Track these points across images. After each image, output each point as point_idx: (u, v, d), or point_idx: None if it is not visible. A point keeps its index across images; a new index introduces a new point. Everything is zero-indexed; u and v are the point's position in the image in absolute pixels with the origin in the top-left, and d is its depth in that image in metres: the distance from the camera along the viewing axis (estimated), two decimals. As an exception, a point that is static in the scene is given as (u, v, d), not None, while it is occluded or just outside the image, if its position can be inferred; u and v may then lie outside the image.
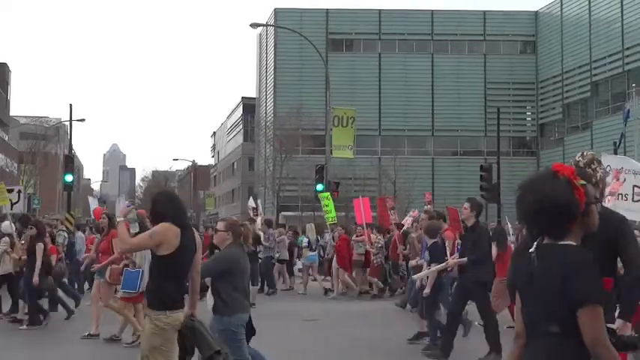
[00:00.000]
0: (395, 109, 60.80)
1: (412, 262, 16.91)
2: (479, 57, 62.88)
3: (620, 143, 35.11)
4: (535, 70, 62.49)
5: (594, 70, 54.57)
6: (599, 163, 5.02)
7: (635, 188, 16.33)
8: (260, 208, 23.78)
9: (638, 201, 16.47)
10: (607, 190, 17.06)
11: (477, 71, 62.28)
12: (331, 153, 32.90)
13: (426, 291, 11.15)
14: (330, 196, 24.64)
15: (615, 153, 32.23)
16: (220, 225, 7.86)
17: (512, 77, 62.17)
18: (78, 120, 47.49)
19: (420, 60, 62.39)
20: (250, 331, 7.77)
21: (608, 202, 16.04)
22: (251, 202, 23.80)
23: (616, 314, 4.84)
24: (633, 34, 50.20)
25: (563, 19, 58.78)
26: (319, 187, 30.85)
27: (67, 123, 46.50)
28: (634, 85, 44.97)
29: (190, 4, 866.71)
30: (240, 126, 79.97)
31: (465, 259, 10.52)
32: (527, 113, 64.50)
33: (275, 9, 62.90)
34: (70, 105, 41.90)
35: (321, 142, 41.72)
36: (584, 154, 5.08)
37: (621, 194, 16.48)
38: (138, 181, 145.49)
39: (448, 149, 62.47)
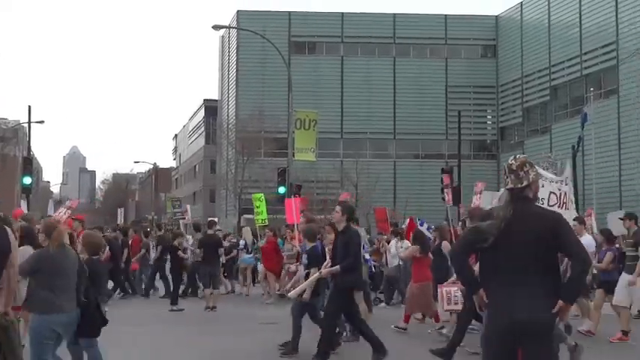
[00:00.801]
0: (357, 112, 60.99)
1: (292, 267, 16.90)
2: (440, 61, 63.35)
3: (578, 147, 35.63)
4: (495, 73, 63.16)
5: (553, 74, 55.32)
6: (532, 165, 5.27)
7: (552, 195, 16.64)
8: (189, 212, 23.31)
9: (552, 205, 16.79)
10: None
11: (439, 75, 62.74)
12: (293, 156, 32.87)
13: (305, 296, 10.83)
14: (262, 198, 24.58)
15: (574, 156, 32.71)
16: (39, 226, 7.96)
17: (473, 81, 62.73)
18: (37, 122, 46.82)
19: (382, 63, 62.68)
20: (89, 325, 7.67)
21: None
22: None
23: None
24: (591, 39, 50.98)
25: (523, 23, 59.50)
26: (281, 189, 30.80)
27: (26, 125, 45.89)
28: (592, 89, 45.73)
29: (153, 5, 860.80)
30: (202, 128, 79.59)
31: (337, 267, 10.23)
32: (488, 117, 65.16)
33: (238, 11, 62.74)
34: (29, 107, 41.37)
35: (283, 144, 41.74)
36: (517, 157, 5.35)
37: (543, 198, 16.87)
38: (98, 183, 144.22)
39: (410, 152, 62.80)
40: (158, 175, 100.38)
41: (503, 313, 4.93)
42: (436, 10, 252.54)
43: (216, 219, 24.54)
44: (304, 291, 10.90)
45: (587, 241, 13.76)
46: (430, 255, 13.83)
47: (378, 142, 62.21)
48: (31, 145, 42.43)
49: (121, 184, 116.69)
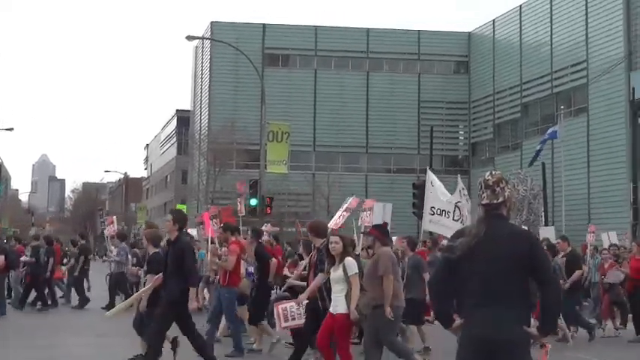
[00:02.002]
0: (329, 125, 61.12)
1: (132, 270, 17.11)
2: (413, 76, 63.73)
3: (534, 159, 35.76)
4: (468, 90, 63.64)
5: (524, 91, 55.87)
6: (507, 182, 5.20)
7: (456, 209, 16.83)
8: (114, 223, 22.89)
9: (458, 220, 16.97)
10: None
11: (411, 90, 63.10)
12: (265, 168, 32.85)
13: (141, 307, 10.52)
14: (144, 207, 24.45)
15: (543, 173, 33.03)
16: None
17: (446, 96, 63.16)
18: (6, 129, 46.39)
19: (355, 77, 62.91)
20: None
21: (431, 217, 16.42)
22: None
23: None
24: (561, 57, 51.61)
25: (495, 41, 60.07)
26: (253, 201, 30.76)
27: (-5, 132, 45.37)
28: (562, 107, 46.26)
29: (127, 13, 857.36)
30: (174, 138, 79.25)
31: (160, 275, 10.08)
32: (460, 132, 65.59)
33: (211, 22, 62.67)
34: (-2, 113, 40.90)
35: (255, 156, 41.62)
36: (493, 173, 5.26)
37: (444, 210, 16.99)
38: (68, 192, 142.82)
39: (382, 166, 63.03)
40: (129, 184, 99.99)
41: (476, 332, 4.89)
42: (409, 26, 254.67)
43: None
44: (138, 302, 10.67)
45: None
46: None
47: (350, 156, 62.36)
48: (0, 152, 41.93)
49: (91, 193, 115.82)
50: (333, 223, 16.93)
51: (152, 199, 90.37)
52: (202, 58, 66.82)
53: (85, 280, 22.08)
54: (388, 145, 61.87)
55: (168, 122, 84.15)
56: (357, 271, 9.11)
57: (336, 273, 9.17)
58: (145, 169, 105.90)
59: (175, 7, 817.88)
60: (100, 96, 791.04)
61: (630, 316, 15.76)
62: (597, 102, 47.99)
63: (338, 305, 9.10)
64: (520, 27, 56.56)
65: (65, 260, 23.37)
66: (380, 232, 10.02)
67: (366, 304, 9.02)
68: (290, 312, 10.84)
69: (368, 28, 64.64)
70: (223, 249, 13.26)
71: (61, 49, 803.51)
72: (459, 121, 64.68)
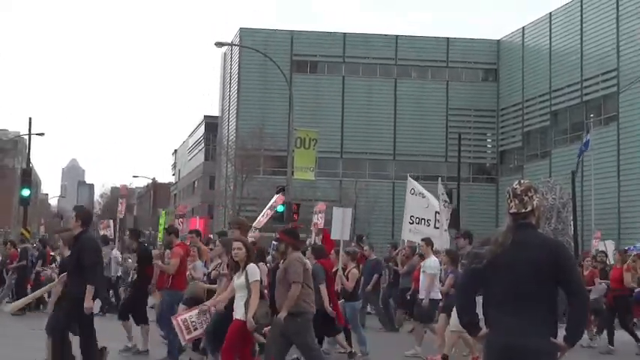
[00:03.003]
0: (357, 132, 61.07)
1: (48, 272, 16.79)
2: (441, 83, 63.51)
3: (576, 170, 35.60)
4: (496, 97, 63.29)
5: (554, 99, 55.45)
6: (536, 191, 5.14)
7: (437, 215, 16.63)
8: (112, 227, 22.67)
9: (438, 227, 16.75)
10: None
11: (439, 97, 62.89)
12: (293, 174, 32.87)
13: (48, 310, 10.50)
14: (164, 214, 24.24)
15: (573, 182, 32.75)
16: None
17: (474, 104, 62.85)
18: (37, 134, 46.80)
19: (384, 84, 62.82)
20: None
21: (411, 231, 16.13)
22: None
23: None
24: (592, 65, 51.17)
25: (524, 48, 59.71)
26: (280, 208, 30.77)
27: (26, 137, 45.86)
28: (592, 115, 45.82)
29: (156, 19, 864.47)
30: (202, 144, 79.64)
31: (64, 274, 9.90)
32: (488, 140, 65.24)
33: (240, 29, 62.96)
34: (30, 118, 41.41)
35: (282, 162, 41.72)
36: (521, 182, 5.20)
37: (424, 219, 16.74)
38: (97, 197, 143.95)
39: (409, 173, 62.70)
40: (157, 190, 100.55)
41: (501, 340, 4.85)
42: (438, 33, 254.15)
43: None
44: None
45: (433, 262, 13.59)
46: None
47: (378, 163, 62.24)
48: (31, 157, 42.38)
49: (119, 197, 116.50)
50: (257, 222, 16.77)
51: (179, 205, 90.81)
52: (231, 65, 67.12)
53: None
54: (416, 152, 61.65)
55: (197, 128, 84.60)
56: (259, 278, 8.81)
57: (239, 280, 8.88)
58: (173, 174, 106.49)
59: (204, 14, 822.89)
60: (129, 101, 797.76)
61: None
62: (628, 111, 47.50)
63: (237, 312, 8.84)
64: (550, 34, 56.17)
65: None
66: (291, 237, 9.66)
67: (264, 313, 8.72)
68: (191, 322, 10.42)
69: (396, 35, 64.55)
70: (167, 252, 13.16)
71: (93, 55, 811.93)
72: (487, 129, 64.32)
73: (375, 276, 17.51)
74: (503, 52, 63.37)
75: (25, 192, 33.00)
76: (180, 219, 17.10)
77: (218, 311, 9.95)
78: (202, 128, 79.81)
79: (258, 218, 17.38)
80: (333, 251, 14.81)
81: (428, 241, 14.42)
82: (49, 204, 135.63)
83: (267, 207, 18.32)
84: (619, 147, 47.91)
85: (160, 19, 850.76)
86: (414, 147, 61.54)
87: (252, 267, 8.83)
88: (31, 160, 43.62)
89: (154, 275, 12.86)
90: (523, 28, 60.48)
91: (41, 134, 48.39)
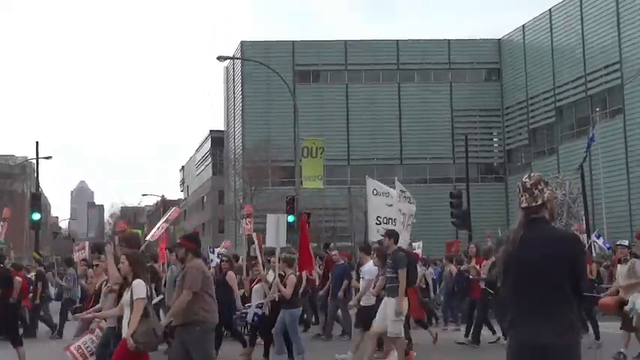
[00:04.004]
0: (363, 138, 61.08)
1: None
2: (445, 85, 63.52)
3: (582, 164, 35.56)
4: (500, 96, 63.25)
5: (558, 95, 55.39)
6: (547, 184, 5.00)
7: (401, 214, 16.37)
8: (86, 248, 22.19)
9: (405, 226, 16.50)
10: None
11: (443, 99, 62.88)
12: (301, 184, 32.91)
13: None
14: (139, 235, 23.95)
15: (582, 177, 32.67)
16: None
17: (478, 104, 62.81)
18: (44, 157, 47.01)
19: (387, 89, 62.86)
20: None
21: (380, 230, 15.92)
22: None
23: None
24: (594, 59, 51.11)
25: (526, 46, 59.69)
26: (290, 218, 30.78)
27: (34, 161, 46.06)
28: (597, 109, 45.75)
29: (156, 37, 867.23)
30: (209, 159, 79.78)
31: None
32: (494, 139, 65.16)
33: (241, 42, 63.15)
34: (37, 142, 41.68)
35: (290, 173, 41.76)
36: (531, 175, 5.09)
37: (390, 219, 16.47)
38: (107, 217, 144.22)
39: (417, 177, 62.77)
40: (166, 207, 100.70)
41: (523, 340, 4.77)
42: (439, 36, 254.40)
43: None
44: None
45: (370, 268, 13.46)
46: None
47: (385, 168, 62.03)
48: (39, 181, 42.57)
49: (129, 217, 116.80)
50: (150, 235, 16.56)
51: (190, 221, 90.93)
52: (234, 78, 67.30)
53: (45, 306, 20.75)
54: (423, 155, 61.62)
55: (203, 143, 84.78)
56: (144, 295, 8.16)
57: (127, 295, 8.36)
58: (182, 190, 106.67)
59: (205, 28, 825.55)
60: (133, 121, 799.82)
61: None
62: (633, 102, 47.41)
63: (123, 330, 8.33)
64: (551, 31, 56.15)
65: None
66: (191, 242, 9.31)
67: (144, 331, 8.10)
68: (86, 348, 9.78)
69: (397, 40, 64.60)
70: (89, 270, 12.98)
71: (94, 78, 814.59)
72: (493, 128, 64.27)
73: (345, 282, 17.37)
74: (504, 50, 63.35)
75: (36, 216, 33.17)
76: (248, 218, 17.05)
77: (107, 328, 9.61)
78: (209, 143, 79.98)
79: (152, 231, 17.14)
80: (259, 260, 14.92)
81: (366, 249, 14.28)
82: (60, 227, 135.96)
83: (163, 220, 18.12)
84: (626, 139, 47.79)
85: (161, 35, 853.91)
86: (421, 150, 61.50)
87: (137, 283, 8.28)
88: (40, 184, 43.79)
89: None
90: (523, 26, 60.48)
91: (49, 157, 48.60)
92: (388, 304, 11.94)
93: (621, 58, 48.80)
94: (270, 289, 13.68)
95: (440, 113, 62.13)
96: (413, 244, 27.49)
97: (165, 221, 17.92)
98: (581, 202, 42.50)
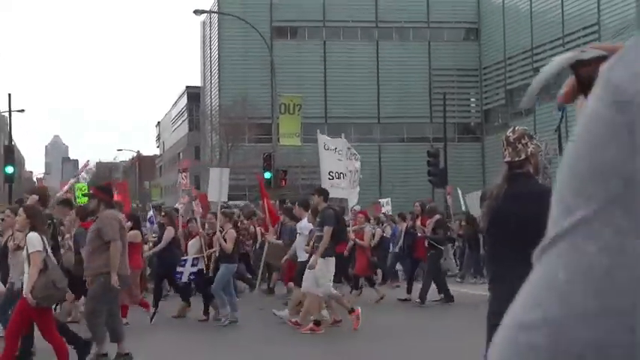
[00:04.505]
0: (341, 96, 60.85)
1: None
2: (423, 44, 63.27)
3: (559, 126, 35.63)
4: (478, 56, 63.18)
5: (536, 56, 55.38)
6: (531, 138, 4.91)
7: (347, 171, 16.37)
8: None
9: (354, 182, 16.54)
10: None
11: (422, 58, 62.68)
12: (278, 141, 32.79)
13: None
14: (85, 189, 24.00)
15: (559, 137, 32.83)
16: None
17: (457, 64, 62.72)
18: (17, 110, 46.48)
19: (365, 47, 62.51)
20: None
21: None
22: None
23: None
24: (572, 21, 51.07)
25: (505, 6, 59.48)
26: (267, 175, 30.75)
27: (6, 114, 45.45)
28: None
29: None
30: (185, 115, 79.19)
31: None
32: (472, 99, 65.23)
33: (219, -4, 62.34)
34: (9, 95, 41.06)
35: (267, 130, 41.55)
36: (515, 129, 5.02)
37: (342, 173, 16.41)
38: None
39: (394, 136, 62.82)
40: (142, 163, 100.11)
41: (504, 293, 4.69)
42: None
43: None
44: None
45: (305, 223, 13.51)
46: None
47: (363, 127, 62.12)
48: (12, 134, 42.04)
49: (104, 173, 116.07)
50: (59, 193, 16.49)
51: (165, 177, 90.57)
52: (210, 33, 66.54)
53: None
54: (400, 114, 61.58)
55: (179, 99, 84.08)
56: (40, 248, 7.81)
57: (24, 250, 8.03)
58: (158, 146, 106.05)
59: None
60: (109, 75, 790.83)
61: None
62: (610, 64, 47.55)
63: (22, 286, 8.03)
64: (530, -9, 55.99)
65: None
66: (104, 193, 9.10)
67: (42, 285, 7.69)
68: None
69: (376, -3, 64.08)
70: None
71: (68, 29, 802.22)
72: (471, 88, 64.28)
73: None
74: (483, 10, 63.09)
75: (9, 169, 32.80)
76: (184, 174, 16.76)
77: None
78: (185, 99, 79.30)
79: (64, 189, 17.08)
80: (209, 214, 14.86)
81: (304, 204, 14.01)
82: (34, 181, 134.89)
83: (73, 178, 18.28)
84: (602, 101, 48.06)
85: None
86: (399, 109, 61.44)
87: (31, 236, 7.91)
88: (13, 138, 43.30)
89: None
90: (503, -15, 60.23)
91: (21, 111, 48.11)
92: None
93: (599, 20, 48.80)
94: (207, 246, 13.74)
95: (418, 72, 61.96)
96: (381, 200, 27.62)
97: (75, 177, 18.05)
98: (558, 163, 42.79)
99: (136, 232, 13.28)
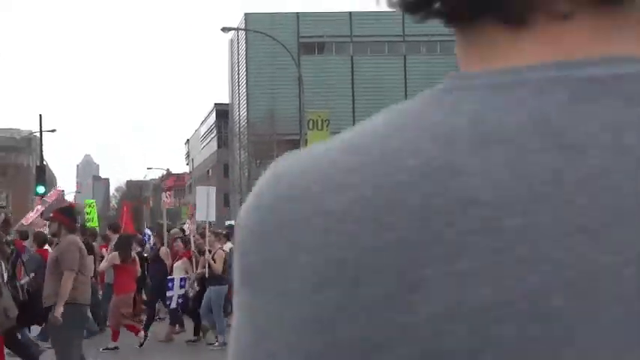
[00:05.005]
0: (369, 111, 59.85)
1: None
2: (452, 57, 62.56)
3: None
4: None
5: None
6: None
7: None
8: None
9: None
10: None
11: (450, 71, 62.26)
12: (307, 157, 32.69)
13: None
14: (94, 205, 23.86)
15: None
16: None
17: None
18: (49, 131, 46.91)
19: (393, 62, 62.42)
20: None
21: None
22: None
23: None
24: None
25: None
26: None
27: (38, 134, 45.91)
28: None
29: (160, 10, 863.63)
30: (214, 132, 79.56)
31: None
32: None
33: (245, 13, 62.65)
34: (40, 115, 41.44)
35: (295, 146, 41.33)
36: None
37: None
38: (112, 191, 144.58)
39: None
40: (171, 180, 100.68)
41: None
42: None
43: None
44: None
45: None
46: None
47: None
48: (44, 154, 42.40)
49: (135, 191, 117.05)
50: (25, 219, 16.20)
51: (195, 194, 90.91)
52: (238, 50, 66.89)
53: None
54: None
55: (208, 116, 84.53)
56: None
57: None
58: (187, 164, 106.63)
59: (209, 1, 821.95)
60: (138, 94, 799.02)
61: None
62: None
63: None
64: None
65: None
66: (65, 216, 8.63)
67: None
68: None
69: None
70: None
71: (98, 50, 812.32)
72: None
73: None
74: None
75: (40, 189, 33.10)
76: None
77: None
78: (213, 116, 79.71)
79: (28, 215, 16.72)
80: (196, 234, 14.57)
81: None
82: (66, 200, 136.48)
83: (40, 203, 17.77)
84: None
85: (165, 8, 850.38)
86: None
87: None
88: (45, 158, 43.67)
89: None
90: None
91: (53, 131, 48.53)
92: None
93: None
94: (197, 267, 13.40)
95: (446, 85, 61.74)
96: None
97: (42, 204, 17.46)
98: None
99: (114, 254, 12.74)
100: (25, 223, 14.93)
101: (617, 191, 0.43)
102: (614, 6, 0.47)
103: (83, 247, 8.60)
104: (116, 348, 11.38)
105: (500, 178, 0.44)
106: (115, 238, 13.55)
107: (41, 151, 42.82)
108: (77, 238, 8.56)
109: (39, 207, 16.72)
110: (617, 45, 0.48)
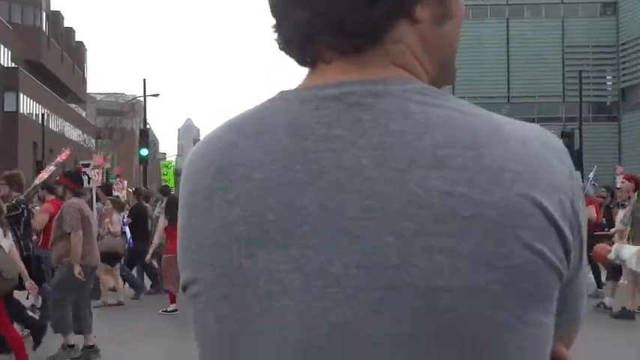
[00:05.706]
0: (469, 75, 59.61)
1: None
2: (557, 21, 61.00)
3: None
4: (616, 32, 60.32)
5: (679, 30, 52.42)
6: None
7: None
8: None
9: None
10: None
11: (555, 35, 60.49)
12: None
13: None
14: (170, 165, 23.51)
15: None
16: None
17: (592, 40, 60.15)
18: (152, 95, 47.80)
19: (495, 25, 60.89)
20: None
21: None
22: None
23: None
24: None
25: (645, -23, 56.51)
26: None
27: (142, 98, 46.91)
28: None
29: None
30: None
31: None
32: (608, 77, 62.45)
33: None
34: (144, 80, 42.27)
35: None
36: None
37: None
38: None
39: (525, 116, 60.92)
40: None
41: None
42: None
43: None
44: None
45: None
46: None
47: (492, 107, 59.87)
48: (147, 118, 43.34)
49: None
50: (38, 178, 15.86)
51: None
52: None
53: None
54: (531, 93, 59.72)
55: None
56: None
57: None
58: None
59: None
60: (240, 58, 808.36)
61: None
62: None
63: None
64: (673, -39, 52.89)
65: None
66: (70, 180, 8.70)
67: None
68: None
69: (506, -26, 62.30)
70: (36, 207, 12.46)
71: (202, 16, 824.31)
72: (607, 65, 61.52)
73: None
74: (622, -17, 60.21)
75: (144, 152, 33.77)
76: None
77: None
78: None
79: (40, 174, 16.51)
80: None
81: None
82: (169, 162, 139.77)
83: (53, 163, 17.42)
84: None
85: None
86: (530, 88, 59.61)
87: None
88: (148, 121, 44.65)
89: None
90: (643, -45, 57.16)
91: (156, 95, 49.44)
92: None
93: None
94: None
95: (550, 50, 59.85)
96: None
97: (55, 164, 17.37)
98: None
99: (162, 218, 12.23)
100: (37, 182, 15.16)
101: (319, 162, 0.83)
102: (356, 55, 0.88)
103: (86, 208, 8.68)
104: (175, 311, 11.15)
105: (256, 151, 0.87)
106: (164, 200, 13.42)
107: (145, 115, 43.74)
108: (80, 201, 8.64)
109: (52, 167, 16.90)
110: (368, 72, 0.89)
